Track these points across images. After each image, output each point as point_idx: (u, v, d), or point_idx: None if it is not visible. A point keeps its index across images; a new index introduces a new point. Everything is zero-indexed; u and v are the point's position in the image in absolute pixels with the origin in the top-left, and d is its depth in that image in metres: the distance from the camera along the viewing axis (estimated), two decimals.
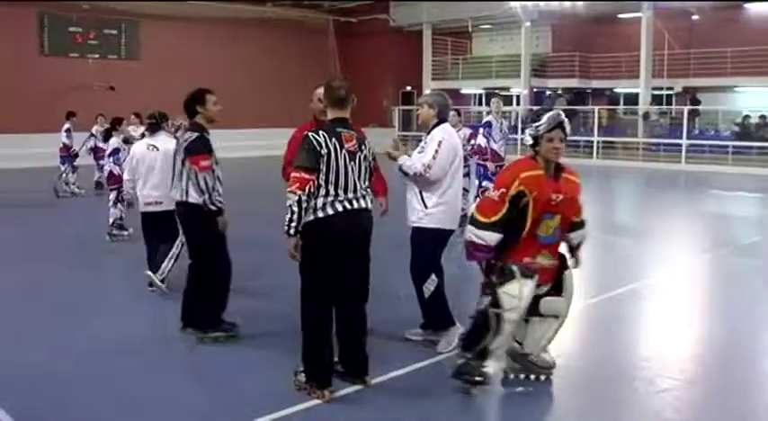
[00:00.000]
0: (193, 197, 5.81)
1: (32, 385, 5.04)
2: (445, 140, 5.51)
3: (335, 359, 4.87)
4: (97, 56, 25.67)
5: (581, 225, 4.98)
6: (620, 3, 25.99)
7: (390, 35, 31.29)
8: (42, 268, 8.73)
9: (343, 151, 4.63)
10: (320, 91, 5.59)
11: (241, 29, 28.27)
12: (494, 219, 4.58)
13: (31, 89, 23.33)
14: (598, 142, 25.68)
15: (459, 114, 11.60)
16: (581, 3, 25.82)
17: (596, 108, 26.83)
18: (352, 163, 4.67)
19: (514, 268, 4.60)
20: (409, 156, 5.61)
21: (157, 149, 7.50)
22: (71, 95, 23.72)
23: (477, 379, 4.73)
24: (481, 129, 11.20)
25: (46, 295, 7.57)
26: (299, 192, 4.49)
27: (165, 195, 6.86)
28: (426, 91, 31.04)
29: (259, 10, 29.12)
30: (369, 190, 4.86)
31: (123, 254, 9.34)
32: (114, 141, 11.10)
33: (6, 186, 17.09)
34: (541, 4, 26.54)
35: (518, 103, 29.80)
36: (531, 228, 4.62)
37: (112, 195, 10.39)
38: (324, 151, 4.56)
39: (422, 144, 5.68)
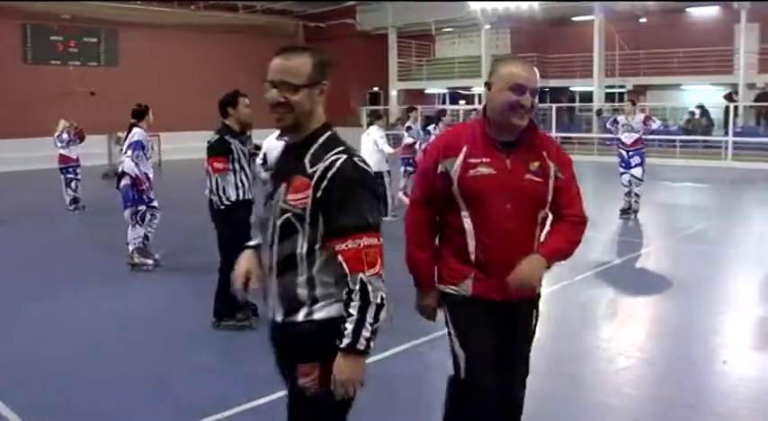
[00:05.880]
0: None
1: (32, 381, 4.91)
2: None
3: None
4: (78, 63, 25.30)
5: None
6: (572, 3, 25.97)
7: (357, 38, 31.08)
8: None
9: None
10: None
11: (213, 35, 27.94)
12: None
13: (14, 95, 22.95)
14: (556, 137, 25.84)
15: (634, 104, 11.80)
16: (536, 3, 25.77)
17: (554, 105, 26.94)
18: None
19: None
20: None
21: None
22: (53, 101, 23.42)
23: None
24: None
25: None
26: (382, 271, 2.29)
27: None
28: (393, 92, 31.09)
29: (231, 17, 28.89)
30: None
31: None
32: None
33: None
34: (499, 6, 26.47)
35: (479, 102, 29.88)
36: None
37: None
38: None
39: None
